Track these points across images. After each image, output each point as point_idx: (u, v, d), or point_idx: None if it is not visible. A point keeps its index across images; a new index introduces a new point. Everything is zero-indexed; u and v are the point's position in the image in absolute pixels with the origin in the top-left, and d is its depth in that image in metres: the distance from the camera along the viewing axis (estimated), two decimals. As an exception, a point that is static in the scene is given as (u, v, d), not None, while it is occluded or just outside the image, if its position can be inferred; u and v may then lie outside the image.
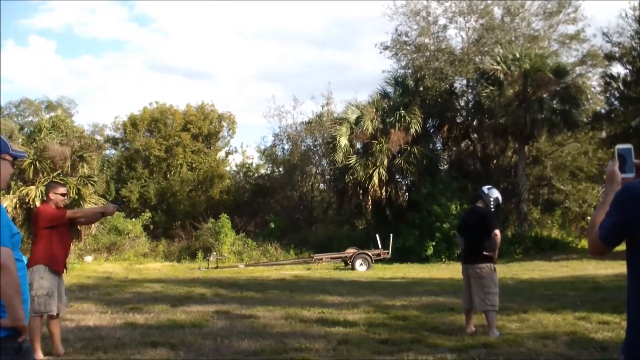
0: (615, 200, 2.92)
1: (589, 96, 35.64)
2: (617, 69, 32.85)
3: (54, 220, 8.12)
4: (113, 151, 47.00)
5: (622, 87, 31.45)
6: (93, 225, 30.19)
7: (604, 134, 35.00)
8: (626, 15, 31.29)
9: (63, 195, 8.43)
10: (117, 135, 46.99)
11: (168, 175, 42.60)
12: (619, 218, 2.86)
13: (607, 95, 33.60)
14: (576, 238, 35.24)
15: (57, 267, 8.17)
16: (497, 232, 9.55)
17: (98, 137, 46.90)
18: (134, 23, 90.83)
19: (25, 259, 4.09)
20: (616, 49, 31.91)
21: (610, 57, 32.45)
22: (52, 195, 8.30)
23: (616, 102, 32.57)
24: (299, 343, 8.87)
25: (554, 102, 33.13)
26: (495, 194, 9.97)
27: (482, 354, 8.25)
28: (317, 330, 10.14)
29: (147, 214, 37.33)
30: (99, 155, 40.54)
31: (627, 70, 31.49)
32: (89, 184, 30.87)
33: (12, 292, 3.55)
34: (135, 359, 8.15)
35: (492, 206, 9.88)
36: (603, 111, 33.96)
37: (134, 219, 36.07)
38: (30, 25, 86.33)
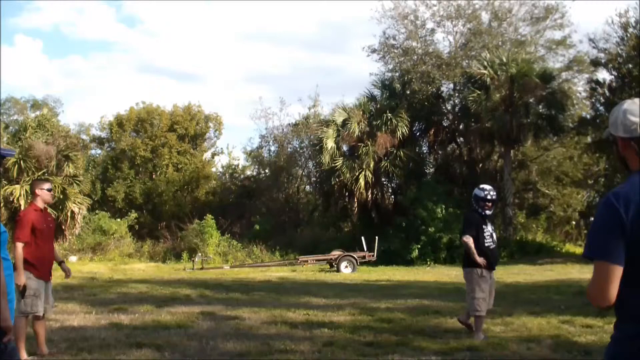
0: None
1: (574, 101, 35.81)
2: (603, 75, 33.05)
3: (22, 230, 7.97)
4: (99, 151, 46.81)
5: (607, 93, 31.60)
6: (77, 225, 30.11)
7: (589, 139, 35.14)
8: (612, 21, 31.48)
9: (49, 190, 8.33)
10: (103, 135, 46.78)
11: (154, 176, 42.49)
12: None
13: (593, 100, 33.76)
14: (561, 242, 35.42)
15: (41, 275, 8.08)
16: (464, 238, 9.47)
17: (84, 137, 46.65)
18: (122, 24, 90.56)
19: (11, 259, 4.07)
20: (602, 55, 32.05)
21: (596, 63, 32.61)
22: (38, 192, 8.22)
23: (602, 108, 32.71)
24: (284, 345, 8.88)
25: (540, 107, 33.30)
26: (475, 191, 9.78)
27: (467, 356, 8.29)
28: (303, 332, 10.14)
29: (133, 215, 37.17)
30: (84, 154, 40.35)
31: (613, 77, 31.66)
32: (75, 184, 30.75)
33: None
34: (120, 360, 8.14)
35: (474, 206, 9.69)
36: (588, 116, 34.12)
37: (119, 219, 35.89)
38: (17, 24, 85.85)
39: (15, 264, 7.52)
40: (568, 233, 39.55)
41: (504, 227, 33.52)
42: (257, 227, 36.55)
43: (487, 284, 9.48)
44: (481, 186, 9.87)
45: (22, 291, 7.68)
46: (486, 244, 9.43)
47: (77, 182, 31.14)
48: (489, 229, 9.59)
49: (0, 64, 71.72)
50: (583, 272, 20.57)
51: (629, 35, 30.58)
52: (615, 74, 31.24)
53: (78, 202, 29.58)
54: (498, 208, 35.68)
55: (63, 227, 29.09)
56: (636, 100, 3.08)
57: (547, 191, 38.08)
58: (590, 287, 2.95)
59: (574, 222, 39.84)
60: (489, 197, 9.53)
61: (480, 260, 9.30)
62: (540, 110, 33.22)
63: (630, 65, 29.63)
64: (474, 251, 9.30)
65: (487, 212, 9.65)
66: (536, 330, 10.09)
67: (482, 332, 9.47)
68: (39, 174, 28.80)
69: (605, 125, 30.58)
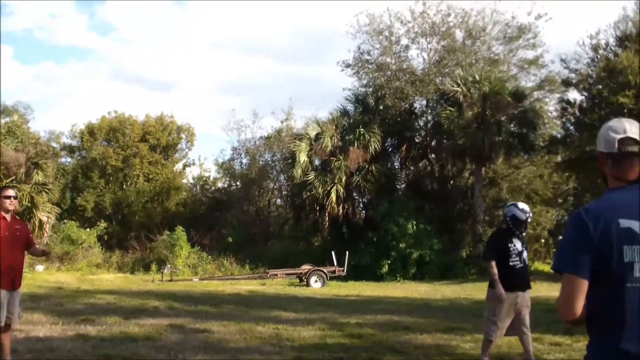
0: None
1: (545, 120, 36.11)
2: (574, 95, 33.35)
3: None
4: (69, 159, 46.36)
5: (578, 113, 31.91)
6: (45, 234, 29.73)
7: (559, 158, 35.47)
8: (583, 43, 31.86)
9: (7, 197, 8.07)
10: (74, 143, 46.36)
11: (124, 186, 42.17)
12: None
13: (564, 120, 34.06)
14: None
15: (4, 284, 7.90)
16: (488, 263, 8.91)
17: (54, 145, 46.20)
18: (94, 31, 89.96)
19: None
20: (573, 75, 32.37)
21: (567, 83, 32.92)
22: None
23: (572, 128, 33.03)
24: (253, 359, 8.82)
25: (512, 125, 33.55)
26: (511, 211, 8.88)
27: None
28: (272, 346, 10.07)
29: (102, 224, 36.77)
30: (54, 162, 39.96)
31: (583, 97, 31.97)
32: (44, 192, 30.35)
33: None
34: (86, 372, 8.02)
35: (510, 226, 8.87)
36: (559, 136, 34.39)
37: (88, 229, 35.55)
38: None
39: None
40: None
41: (474, 244, 33.64)
42: (230, 239, 36.35)
43: (505, 308, 8.76)
44: (520, 207, 8.94)
45: None
46: (511, 263, 8.76)
47: (46, 190, 30.75)
48: (517, 246, 8.84)
49: (1, 66, 70.51)
50: (551, 290, 20.66)
51: (599, 56, 30.94)
52: (586, 94, 31.57)
53: (47, 211, 29.23)
54: (468, 225, 35.95)
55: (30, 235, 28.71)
56: (623, 119, 3.16)
57: (517, 209, 38.20)
58: (558, 301, 3.04)
59: (543, 240, 40.04)
60: (529, 219, 8.87)
61: (500, 292, 8.63)
62: (512, 129, 33.48)
63: (600, 86, 29.96)
64: (497, 279, 8.66)
65: (523, 232, 9.00)
66: (505, 347, 10.09)
67: (487, 356, 9.06)
68: (7, 181, 28.44)
69: (576, 145, 31.00)
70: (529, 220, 8.88)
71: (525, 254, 8.91)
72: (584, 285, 2.90)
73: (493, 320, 8.82)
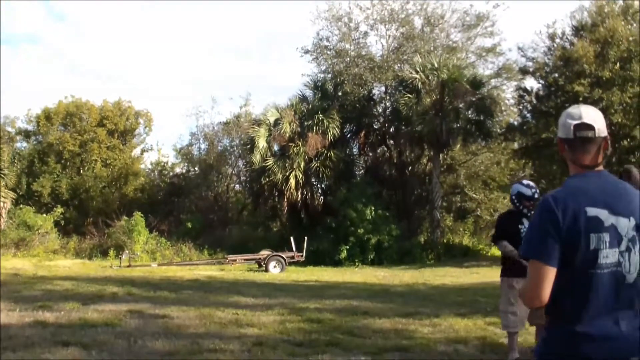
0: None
1: (503, 108, 36.55)
2: (531, 83, 33.78)
3: None
4: (25, 144, 45.65)
5: (534, 101, 32.28)
6: (2, 219, 29.38)
7: (516, 145, 35.87)
8: (540, 32, 32.23)
9: None
10: (30, 127, 45.66)
11: (81, 171, 41.64)
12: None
13: (521, 107, 34.42)
14: (487, 246, 36.00)
15: None
16: (500, 245, 8.42)
17: (9, 129, 45.48)
18: (50, 18, 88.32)
19: None
20: (530, 63, 32.70)
21: (524, 72, 33.28)
22: None
23: (529, 115, 33.42)
24: (213, 344, 8.82)
25: (470, 112, 33.90)
26: (516, 189, 8.36)
27: (396, 357, 8.36)
28: (232, 331, 10.08)
29: (59, 210, 36.29)
30: (9, 147, 39.40)
31: (540, 85, 32.34)
32: (-1, 177, 30.04)
33: None
34: (46, 359, 7.95)
35: (516, 205, 8.32)
36: (516, 123, 34.76)
37: (44, 215, 35.06)
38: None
39: None
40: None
41: (432, 230, 33.97)
42: (189, 225, 36.17)
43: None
44: (525, 182, 8.46)
45: None
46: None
47: (2, 175, 30.40)
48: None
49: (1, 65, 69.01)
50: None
51: (555, 45, 31.31)
52: (543, 82, 31.94)
53: (2, 196, 28.89)
54: (426, 211, 36.23)
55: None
56: (581, 105, 3.21)
57: (474, 195, 38.68)
58: (525, 288, 3.07)
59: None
60: (536, 195, 8.12)
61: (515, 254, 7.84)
62: (470, 116, 33.83)
63: (556, 75, 30.32)
64: (515, 252, 7.82)
65: (532, 211, 7.91)
66: (463, 331, 10.22)
67: (515, 351, 8.35)
68: (-38, 166, 28.07)
69: (533, 132, 31.42)
70: (537, 196, 8.13)
71: None
72: (552, 272, 2.95)
73: (511, 310, 8.32)
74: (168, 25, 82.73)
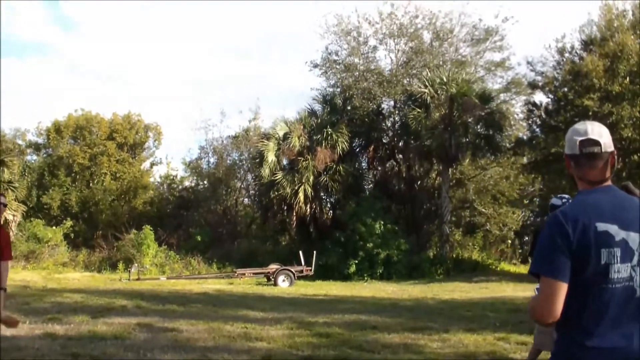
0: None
1: (512, 122, 36.53)
2: (540, 98, 33.75)
3: None
4: (35, 157, 45.87)
5: (543, 115, 32.26)
6: (12, 232, 29.42)
7: (525, 160, 35.83)
8: (549, 46, 32.23)
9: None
10: (40, 140, 45.87)
11: (91, 184, 41.81)
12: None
13: (530, 122, 34.41)
14: (496, 260, 35.94)
15: None
16: None
17: (20, 142, 45.70)
18: (57, 25, 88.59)
19: None
20: (539, 78, 32.72)
21: (533, 86, 33.27)
22: None
23: (538, 129, 33.39)
24: (222, 358, 8.82)
25: (479, 126, 33.87)
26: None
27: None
28: (241, 345, 10.07)
29: (68, 223, 36.45)
30: (20, 160, 39.56)
31: (549, 99, 32.34)
32: (9, 190, 30.10)
33: None
34: (54, 371, 7.97)
35: None
36: (525, 137, 34.74)
37: (54, 227, 35.19)
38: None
39: None
40: (503, 252, 40.11)
41: (441, 245, 33.89)
42: (198, 238, 36.17)
43: None
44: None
45: None
46: None
47: (12, 188, 30.50)
48: None
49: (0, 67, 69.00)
50: (517, 290, 20.86)
51: (564, 59, 31.31)
52: (552, 96, 31.93)
53: (12, 209, 28.96)
54: (435, 225, 36.15)
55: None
56: (586, 121, 3.22)
57: (483, 210, 38.61)
58: (536, 304, 3.05)
59: (509, 241, 40.43)
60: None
61: None
62: (479, 130, 33.80)
63: (565, 89, 30.30)
64: None
65: None
66: (472, 346, 10.19)
67: None
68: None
69: (542, 147, 31.34)
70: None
71: None
72: (564, 288, 2.94)
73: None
74: (168, 26, 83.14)
